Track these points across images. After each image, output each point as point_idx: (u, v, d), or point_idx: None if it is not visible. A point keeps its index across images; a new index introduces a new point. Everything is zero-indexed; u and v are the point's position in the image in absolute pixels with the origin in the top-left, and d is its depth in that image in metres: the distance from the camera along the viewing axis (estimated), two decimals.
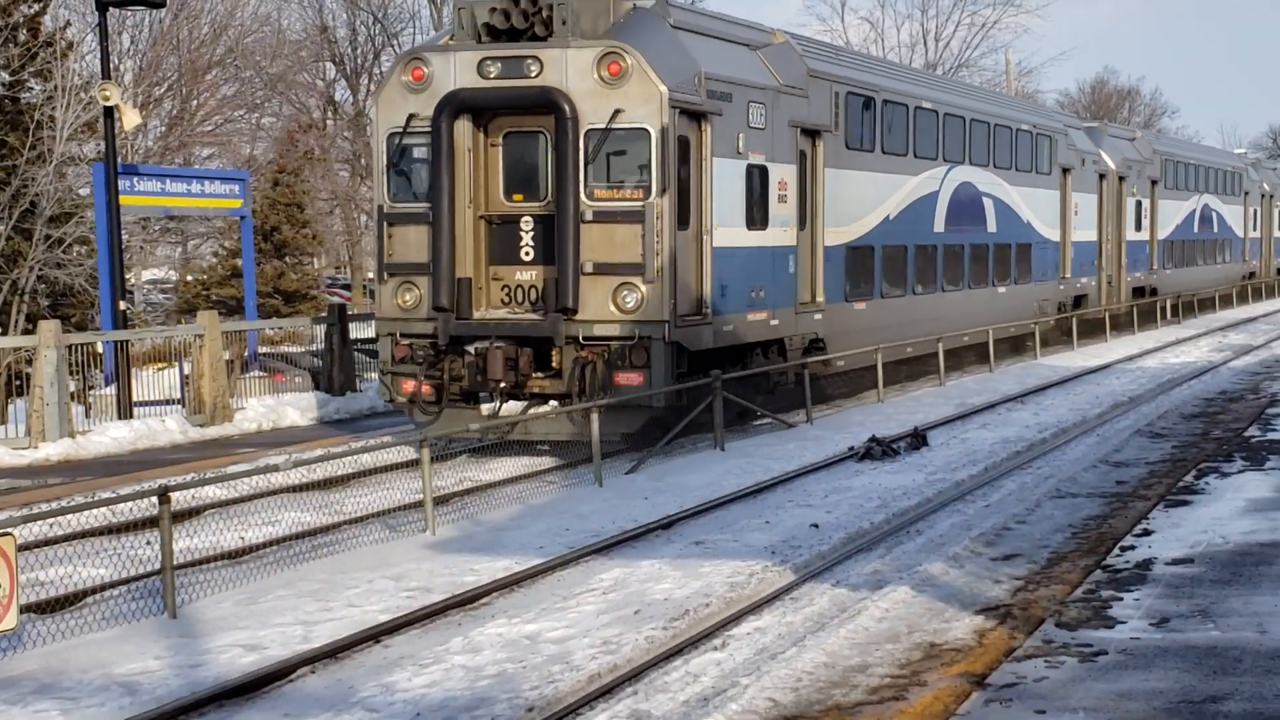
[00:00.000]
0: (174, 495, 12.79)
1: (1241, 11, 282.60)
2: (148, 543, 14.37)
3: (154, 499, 12.66)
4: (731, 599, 12.31)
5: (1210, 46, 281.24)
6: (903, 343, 28.08)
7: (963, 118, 31.79)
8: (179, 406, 24.32)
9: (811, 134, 24.60)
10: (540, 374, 20.34)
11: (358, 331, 28.67)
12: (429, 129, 20.46)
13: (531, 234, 20.65)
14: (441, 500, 16.59)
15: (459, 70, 20.54)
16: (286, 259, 49.69)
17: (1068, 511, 14.81)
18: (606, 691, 9.87)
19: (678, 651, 10.76)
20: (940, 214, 30.41)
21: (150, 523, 15.02)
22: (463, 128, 20.50)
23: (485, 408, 20.60)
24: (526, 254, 20.65)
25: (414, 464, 17.82)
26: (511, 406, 20.38)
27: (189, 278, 50.53)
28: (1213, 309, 53.77)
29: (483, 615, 12.22)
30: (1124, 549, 12.48)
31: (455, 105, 20.38)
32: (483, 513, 16.63)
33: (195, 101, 48.72)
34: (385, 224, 21.26)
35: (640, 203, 20.03)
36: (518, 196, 20.87)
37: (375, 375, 25.43)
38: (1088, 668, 9.14)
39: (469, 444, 20.62)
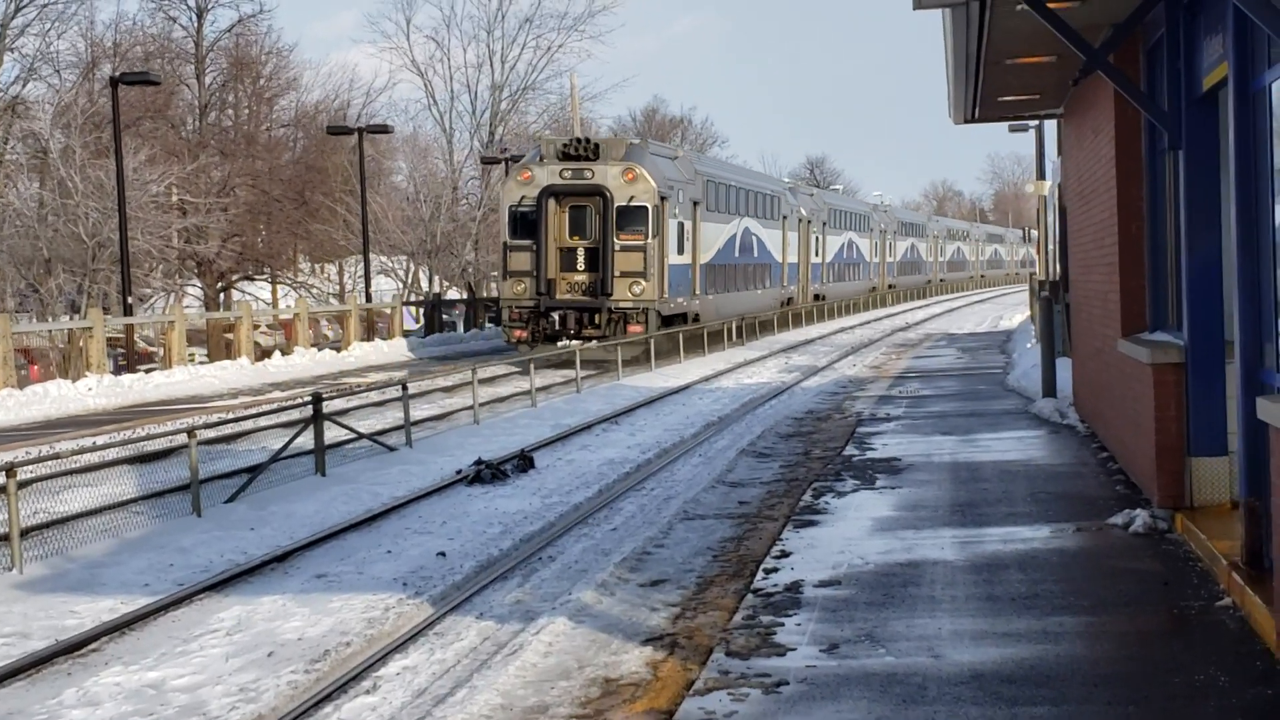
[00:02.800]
0: None
1: (781, 50, 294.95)
2: None
3: None
4: (372, 636, 11.50)
5: (754, 81, 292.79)
6: (724, 319, 49.26)
7: (744, 189, 55.91)
8: None
9: (695, 203, 47.28)
10: (591, 328, 41.79)
11: None
12: (535, 204, 42.15)
13: (584, 257, 42.52)
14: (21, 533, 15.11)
15: (549, 175, 42.42)
16: None
17: (701, 534, 14.56)
18: None
19: (326, 697, 9.91)
20: (737, 246, 53.73)
21: None
22: (550, 203, 42.20)
23: (560, 344, 39.70)
24: (580, 267, 42.48)
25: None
26: (569, 344, 37.97)
27: None
28: (771, 331, 55.69)
29: (94, 663, 11.06)
30: (767, 571, 12.27)
31: (548, 191, 42.19)
32: (73, 548, 15.26)
33: None
34: (507, 250, 42.96)
35: (643, 241, 42.26)
36: (576, 238, 42.65)
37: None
38: (774, 700, 8.78)
39: (551, 359, 38.13)
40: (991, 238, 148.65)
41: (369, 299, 56.07)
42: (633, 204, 42.08)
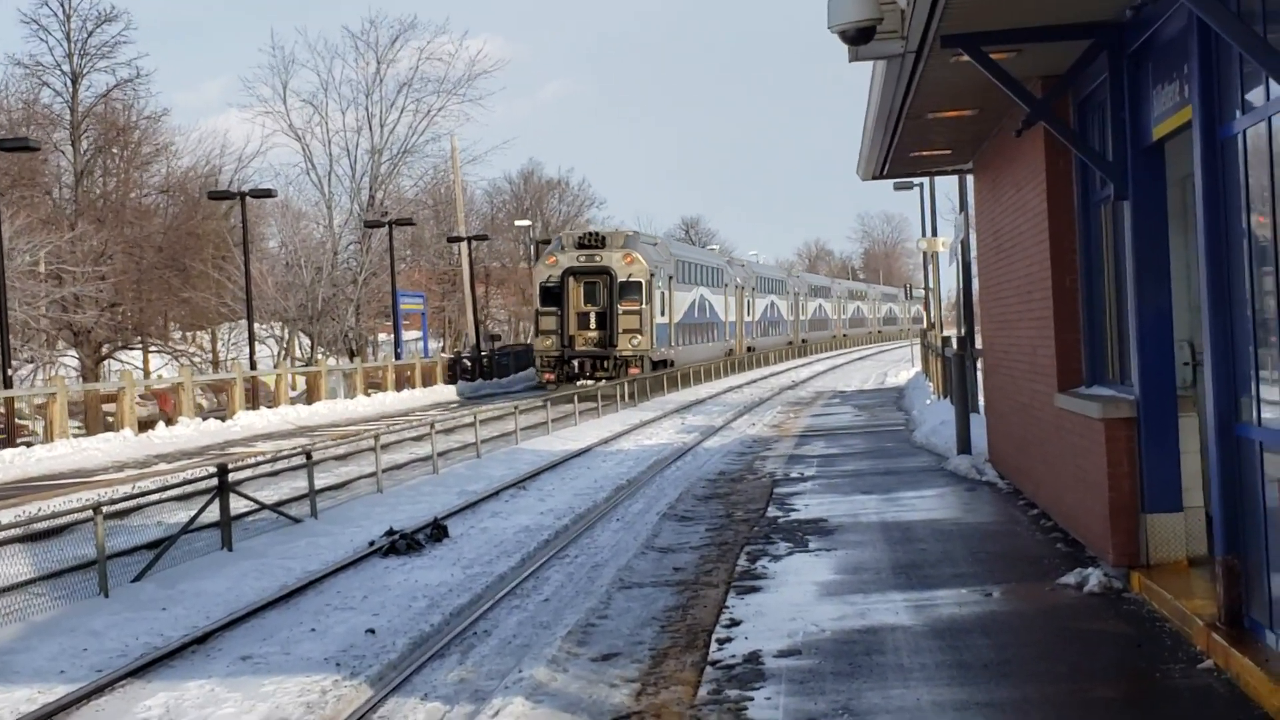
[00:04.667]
0: None
1: (653, 111, 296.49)
2: None
3: None
4: None
5: (627, 142, 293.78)
6: (689, 365, 64.19)
7: (700, 264, 73.62)
8: None
9: (669, 276, 61.97)
10: (601, 371, 56.96)
11: None
12: (559, 280, 58.14)
13: (595, 319, 58.11)
14: None
15: (569, 259, 58.50)
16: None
17: (642, 603, 14.05)
18: None
19: None
20: (696, 309, 69.92)
21: None
22: (570, 280, 58.12)
23: (579, 383, 54.87)
24: (592, 325, 58.04)
25: None
26: (586, 384, 54.49)
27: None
28: (661, 391, 55.50)
29: None
30: (721, 641, 11.81)
31: (568, 271, 58.24)
32: None
33: None
34: (538, 315, 59.07)
35: (639, 307, 58.03)
36: (589, 304, 58.36)
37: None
38: None
39: (576, 392, 46.74)
40: (885, 297, 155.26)
41: (253, 365, 54.98)
42: (631, 279, 58.70)
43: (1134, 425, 12.96)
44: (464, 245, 77.91)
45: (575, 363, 58.06)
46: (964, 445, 23.86)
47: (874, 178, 23.22)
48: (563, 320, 58.11)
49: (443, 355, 72.62)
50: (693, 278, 70.12)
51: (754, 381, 66.30)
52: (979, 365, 26.35)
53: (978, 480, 21.62)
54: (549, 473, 27.99)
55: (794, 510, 19.64)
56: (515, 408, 37.08)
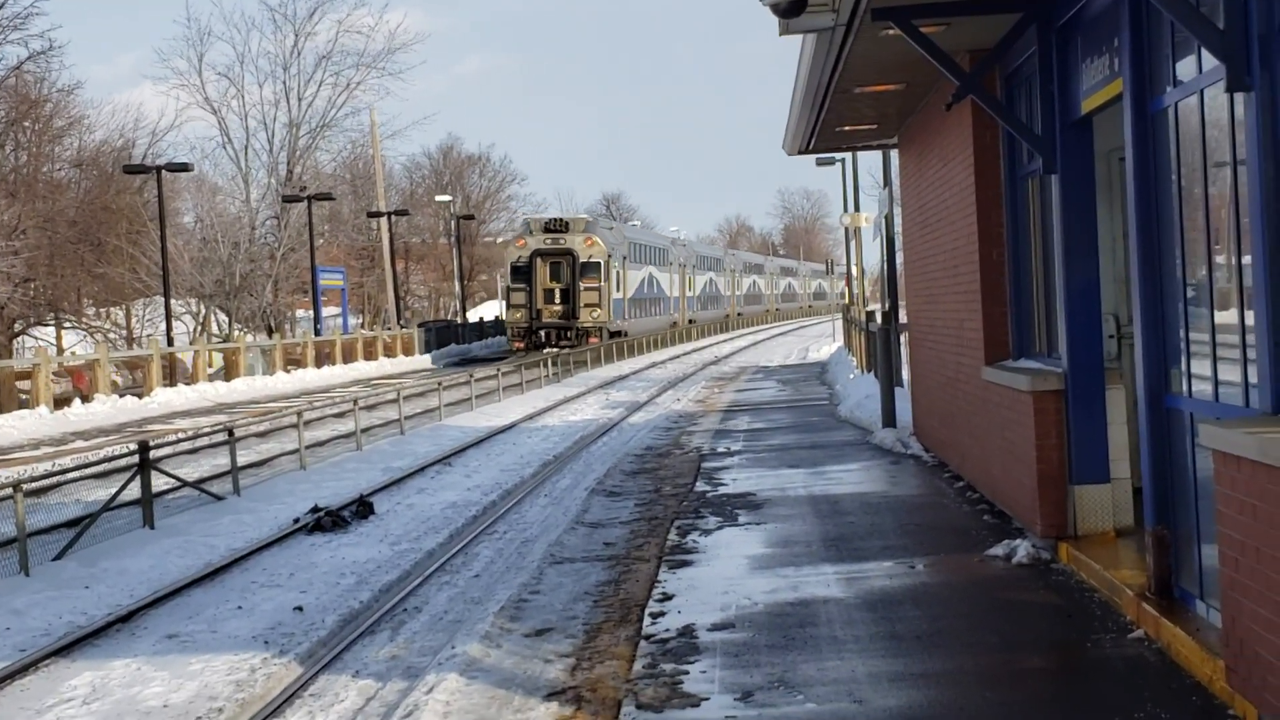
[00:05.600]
0: None
1: (573, 87, 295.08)
2: None
3: None
4: (244, 700, 10.74)
5: (547, 118, 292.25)
6: (641, 335, 70.15)
7: (649, 245, 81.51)
8: None
9: (623, 257, 71.71)
10: (565, 340, 65.42)
11: None
12: (528, 260, 67.57)
13: (559, 294, 67.40)
14: None
15: (536, 241, 67.61)
16: None
17: (574, 578, 14.01)
18: None
19: None
20: (646, 286, 77.98)
21: None
22: (537, 260, 67.49)
23: (546, 351, 59.00)
24: (557, 300, 67.39)
25: None
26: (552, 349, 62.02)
27: None
28: (593, 364, 55.42)
29: None
30: (654, 616, 11.78)
31: (536, 252, 67.59)
32: None
33: None
34: (510, 290, 68.62)
35: (599, 284, 67.48)
36: (554, 281, 67.60)
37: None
38: None
39: (541, 357, 52.81)
40: (815, 273, 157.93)
41: (170, 342, 54.38)
42: (591, 260, 67.28)
43: (1062, 397, 13.05)
44: (384, 220, 77.41)
45: (542, 333, 66.80)
46: (889, 419, 23.97)
47: (800, 152, 23.25)
48: (531, 295, 67.16)
49: (402, 330, 73.51)
50: (643, 258, 79.74)
51: (692, 352, 70.50)
52: (903, 339, 26.49)
53: (903, 454, 21.73)
54: (474, 449, 27.88)
55: (722, 485, 19.65)
56: (439, 384, 36.89)
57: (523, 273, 67.46)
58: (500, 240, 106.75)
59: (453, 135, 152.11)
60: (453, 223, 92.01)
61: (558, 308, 67.44)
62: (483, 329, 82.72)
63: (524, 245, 68.09)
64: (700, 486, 19.60)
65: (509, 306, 68.60)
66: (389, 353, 67.50)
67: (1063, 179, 12.90)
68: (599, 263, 67.51)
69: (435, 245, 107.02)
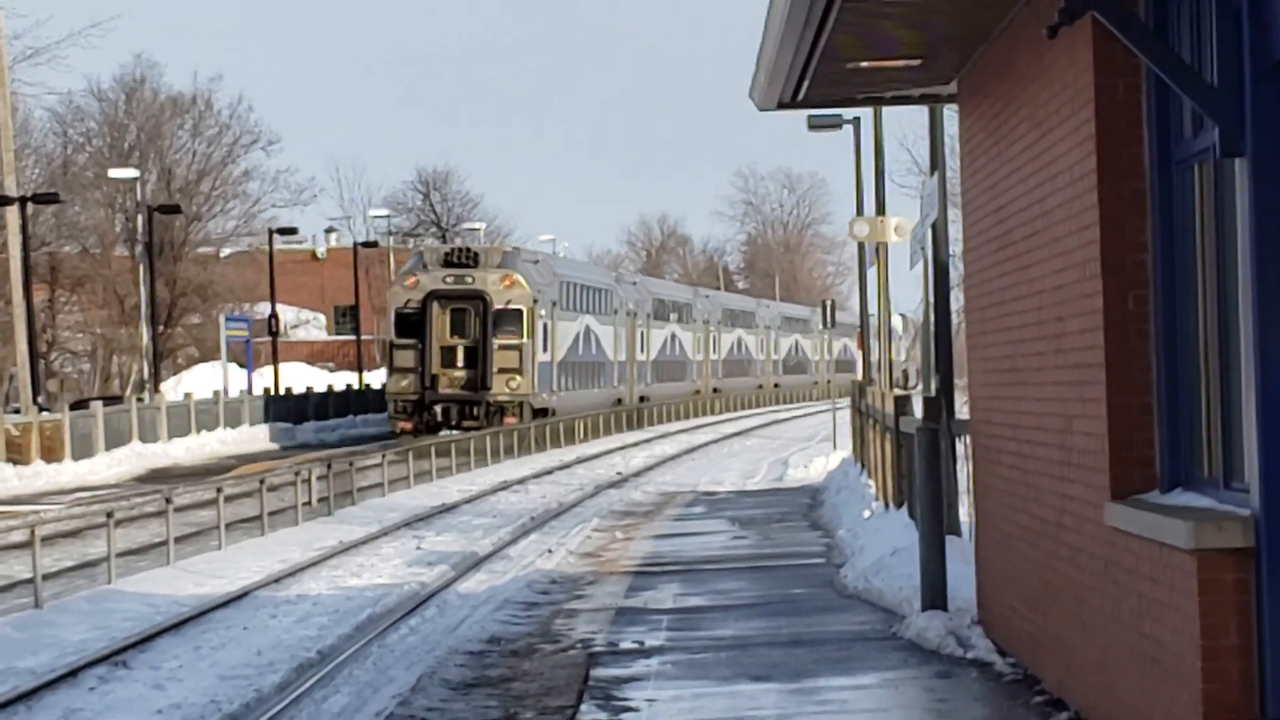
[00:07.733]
0: None
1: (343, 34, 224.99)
2: None
3: None
4: None
5: (309, 42, 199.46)
6: (575, 414, 55.50)
7: (585, 284, 64.27)
8: None
9: (552, 302, 56.19)
10: (469, 419, 50.07)
11: None
12: (420, 306, 51.34)
13: (463, 354, 51.51)
14: None
15: (431, 280, 52.07)
16: None
17: None
18: None
19: None
20: (581, 344, 61.76)
21: None
22: (434, 306, 51.55)
23: (442, 434, 46.84)
24: (459, 363, 51.48)
25: None
26: (452, 434, 47.04)
27: None
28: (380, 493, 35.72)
29: None
30: None
31: (431, 295, 51.54)
32: None
33: None
34: (393, 348, 52.19)
35: (519, 341, 51.83)
36: (456, 336, 51.66)
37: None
38: None
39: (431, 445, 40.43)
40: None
41: None
42: (509, 307, 52.46)
43: (1251, 561, 8.10)
44: (12, 211, 49.24)
45: (438, 408, 51.58)
46: (935, 593, 15.54)
47: (781, 105, 15.12)
48: (424, 356, 51.49)
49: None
50: (577, 303, 62.49)
51: (640, 444, 52.96)
52: (963, 449, 17.83)
53: (959, 658, 13.66)
54: (170, 636, 17.81)
55: (630, 708, 11.98)
56: (109, 515, 22.57)
57: (412, 324, 51.77)
58: (229, 253, 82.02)
59: (145, 60, 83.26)
60: (140, 218, 58.62)
61: (460, 374, 51.87)
62: (349, 401, 63.79)
63: (415, 285, 52.52)
64: (591, 714, 11.85)
65: (392, 371, 52.87)
66: (49, 454, 44.11)
67: (1256, 165, 7.88)
68: (520, 310, 52.65)
69: (108, 261, 72.31)
